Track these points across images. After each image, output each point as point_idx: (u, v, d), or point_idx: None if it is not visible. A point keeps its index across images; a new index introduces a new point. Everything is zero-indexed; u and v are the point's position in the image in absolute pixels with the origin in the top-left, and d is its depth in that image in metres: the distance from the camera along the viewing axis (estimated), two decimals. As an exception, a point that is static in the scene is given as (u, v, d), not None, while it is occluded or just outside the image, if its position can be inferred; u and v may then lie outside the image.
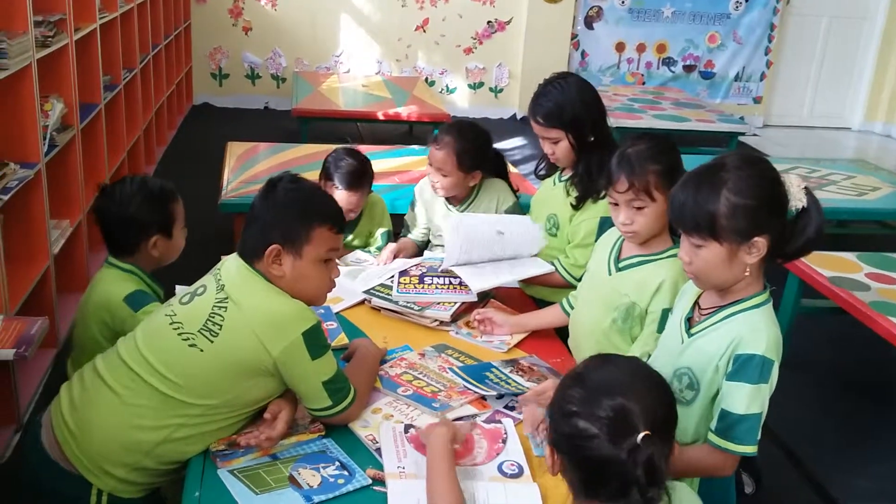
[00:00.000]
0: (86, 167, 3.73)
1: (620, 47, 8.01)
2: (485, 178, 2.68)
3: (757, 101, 8.31)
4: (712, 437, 1.57)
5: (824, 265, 3.29)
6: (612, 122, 2.52)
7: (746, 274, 1.57)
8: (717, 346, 1.59)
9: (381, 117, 6.19)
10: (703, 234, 1.54)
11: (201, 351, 1.64)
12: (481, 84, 8.00)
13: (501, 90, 8.02)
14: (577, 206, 2.39)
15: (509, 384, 1.91)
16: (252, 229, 1.73)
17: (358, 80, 7.26)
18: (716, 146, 6.29)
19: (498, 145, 2.83)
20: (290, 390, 1.73)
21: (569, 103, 2.33)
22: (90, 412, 1.68)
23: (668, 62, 8.11)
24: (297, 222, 1.71)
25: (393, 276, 2.41)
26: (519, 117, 7.86)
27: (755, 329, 1.56)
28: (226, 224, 3.82)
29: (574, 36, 7.90)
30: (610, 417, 1.19)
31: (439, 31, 7.77)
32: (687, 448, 1.60)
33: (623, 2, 7.85)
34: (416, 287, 2.35)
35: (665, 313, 1.88)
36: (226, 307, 1.66)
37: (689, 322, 1.69)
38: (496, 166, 2.74)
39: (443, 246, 2.61)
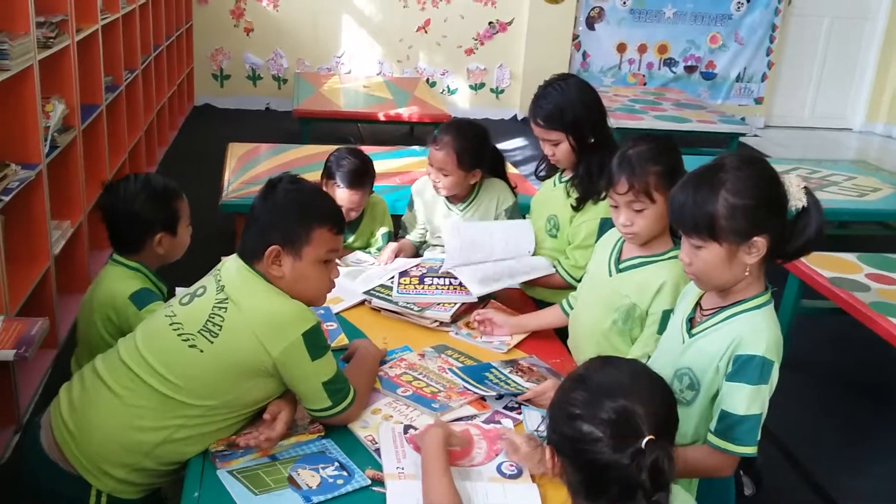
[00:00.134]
0: (87, 168, 3.73)
1: (622, 48, 8.01)
2: (484, 178, 2.68)
3: (758, 101, 8.31)
4: (712, 438, 1.57)
5: (824, 266, 3.29)
6: (613, 122, 2.52)
7: (747, 274, 1.57)
8: (717, 346, 1.59)
9: (382, 118, 6.18)
10: (702, 234, 1.54)
11: (201, 352, 1.64)
12: (482, 85, 8.00)
13: (503, 91, 8.02)
14: (577, 208, 2.39)
15: (509, 384, 1.91)
16: (252, 230, 1.74)
17: (359, 80, 7.25)
18: (717, 147, 6.29)
19: (499, 146, 2.83)
20: (289, 391, 1.73)
21: (569, 105, 2.33)
22: (90, 413, 1.68)
23: (670, 63, 8.10)
24: (296, 223, 1.71)
25: (393, 277, 2.42)
26: (520, 118, 7.86)
27: (756, 330, 1.56)
28: (226, 225, 3.82)
29: (575, 37, 7.90)
30: (613, 420, 1.19)
31: (440, 32, 7.78)
32: (686, 449, 1.60)
33: (624, 2, 7.85)
34: (416, 288, 2.36)
35: (666, 315, 1.88)
36: (226, 308, 1.66)
37: (691, 322, 1.69)
38: (494, 163, 2.74)
39: (441, 246, 2.61)
